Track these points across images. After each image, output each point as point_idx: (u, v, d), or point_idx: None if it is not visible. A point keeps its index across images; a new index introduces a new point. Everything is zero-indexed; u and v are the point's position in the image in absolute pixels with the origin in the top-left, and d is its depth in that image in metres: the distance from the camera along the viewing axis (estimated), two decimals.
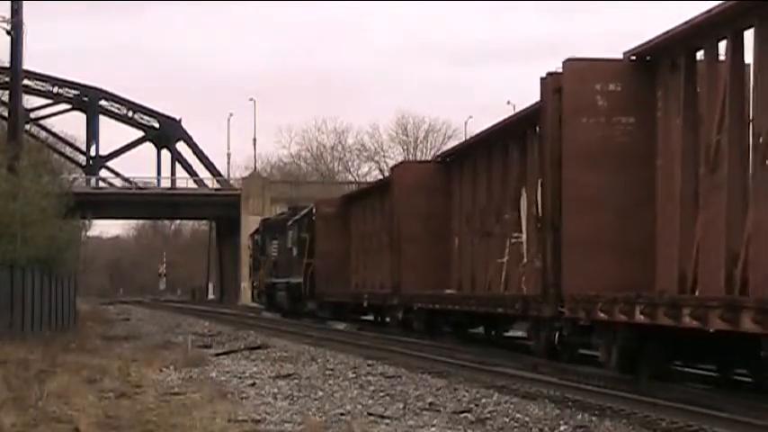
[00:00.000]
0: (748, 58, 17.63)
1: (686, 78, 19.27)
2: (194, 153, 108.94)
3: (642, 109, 20.70)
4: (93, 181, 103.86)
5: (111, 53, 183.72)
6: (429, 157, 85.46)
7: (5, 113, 48.38)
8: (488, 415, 16.64)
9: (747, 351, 17.19)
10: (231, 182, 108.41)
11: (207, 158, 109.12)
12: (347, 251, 48.39)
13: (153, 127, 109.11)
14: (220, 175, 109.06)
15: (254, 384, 21.26)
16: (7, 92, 45.46)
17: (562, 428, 15.32)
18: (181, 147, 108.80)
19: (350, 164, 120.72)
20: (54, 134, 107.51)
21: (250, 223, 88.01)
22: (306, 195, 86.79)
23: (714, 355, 18.92)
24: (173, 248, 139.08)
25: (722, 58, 18.32)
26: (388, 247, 37.78)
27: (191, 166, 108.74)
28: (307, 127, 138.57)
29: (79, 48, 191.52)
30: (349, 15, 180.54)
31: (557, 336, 22.25)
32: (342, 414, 16.83)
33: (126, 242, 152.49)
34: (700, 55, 19.25)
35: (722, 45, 18.23)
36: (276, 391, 20.09)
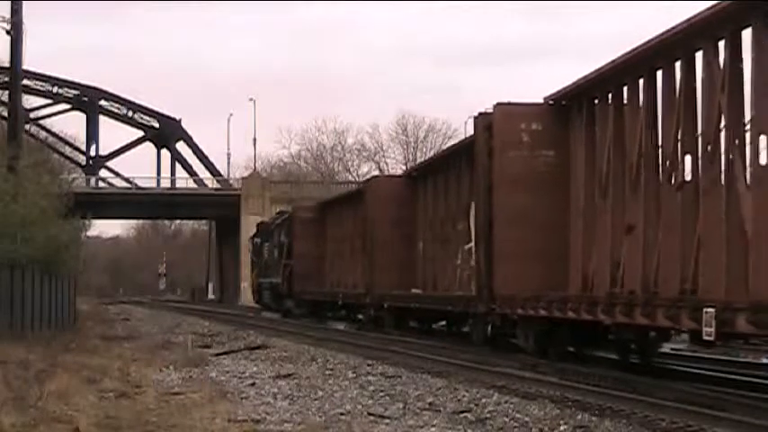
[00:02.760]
0: (630, 106, 21.79)
1: (587, 120, 23.63)
2: (194, 153, 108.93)
3: (559, 144, 25.01)
4: (92, 181, 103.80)
5: (111, 53, 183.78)
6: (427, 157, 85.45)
7: (5, 113, 48.36)
8: (488, 415, 16.65)
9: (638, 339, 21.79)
10: (231, 182, 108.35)
11: (207, 158, 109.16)
12: (323, 253, 52.06)
13: (153, 127, 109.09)
14: (220, 175, 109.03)
15: (254, 384, 21.27)
16: (7, 92, 45.46)
17: (562, 428, 15.32)
18: (181, 147, 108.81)
19: (350, 164, 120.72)
20: (54, 134, 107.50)
21: (250, 223, 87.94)
22: (306, 195, 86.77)
23: (607, 341, 22.98)
24: (173, 248, 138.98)
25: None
26: (361, 251, 41.69)
27: (191, 166, 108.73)
28: (307, 127, 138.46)
29: (79, 48, 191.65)
30: (350, 15, 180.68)
31: (489, 328, 26.78)
32: (342, 414, 16.84)
33: (126, 242, 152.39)
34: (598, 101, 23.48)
35: (611, 95, 22.60)
36: (276, 390, 20.10)
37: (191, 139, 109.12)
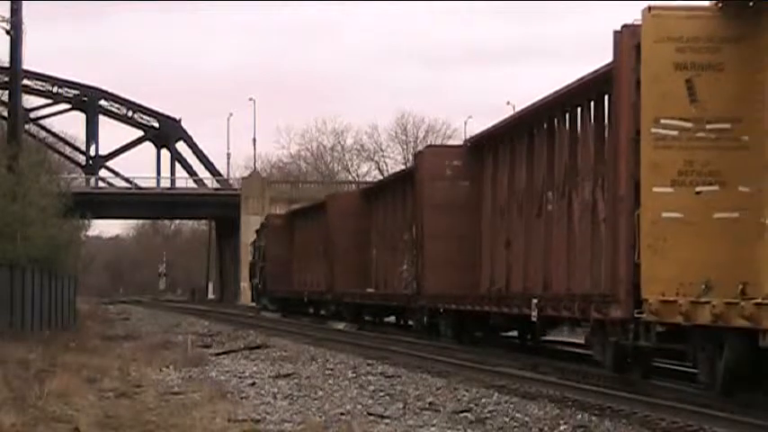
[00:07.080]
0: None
1: (493, 160, 30.20)
2: (194, 153, 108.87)
3: (474, 176, 31.37)
4: (92, 181, 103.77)
5: (111, 53, 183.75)
6: None
7: (5, 113, 48.35)
8: (488, 415, 16.66)
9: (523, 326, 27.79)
10: (231, 182, 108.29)
11: (207, 158, 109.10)
12: (292, 256, 59.53)
13: (153, 127, 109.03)
14: (220, 174, 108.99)
15: (253, 384, 21.28)
16: (7, 92, 45.47)
17: (562, 428, 15.32)
18: (180, 146, 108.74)
19: (349, 164, 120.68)
20: (54, 134, 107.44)
21: (250, 223, 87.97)
22: (305, 195, 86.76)
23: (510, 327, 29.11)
24: (173, 248, 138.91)
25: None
26: (324, 255, 48.81)
27: (190, 166, 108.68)
28: (307, 127, 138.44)
29: (79, 48, 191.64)
30: (348, 15, 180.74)
31: (425, 319, 32.82)
32: (342, 414, 16.84)
33: (126, 242, 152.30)
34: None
35: (508, 143, 28.99)
36: (276, 390, 20.11)
37: (191, 138, 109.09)
